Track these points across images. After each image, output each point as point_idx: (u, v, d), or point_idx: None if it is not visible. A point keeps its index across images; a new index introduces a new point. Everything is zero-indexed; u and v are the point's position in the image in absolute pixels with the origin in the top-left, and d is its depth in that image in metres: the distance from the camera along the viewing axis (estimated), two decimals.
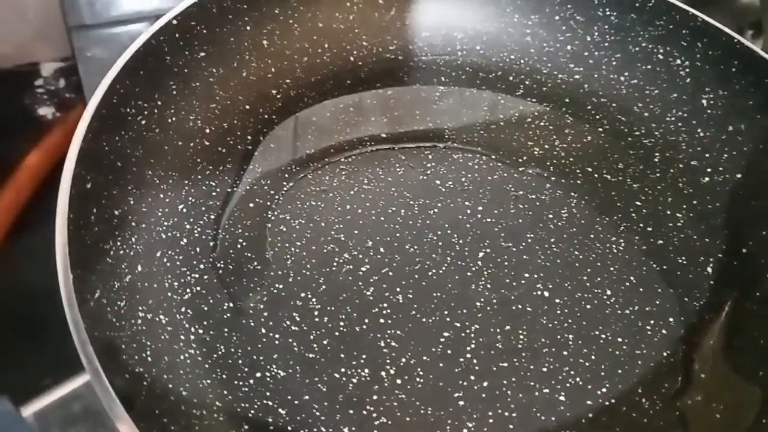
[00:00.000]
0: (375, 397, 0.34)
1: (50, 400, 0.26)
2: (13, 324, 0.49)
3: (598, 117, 0.46)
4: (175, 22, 0.39)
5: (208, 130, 0.41)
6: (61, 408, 0.26)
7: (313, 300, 0.37)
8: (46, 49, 0.69)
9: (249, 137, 0.43)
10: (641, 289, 0.39)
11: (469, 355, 0.35)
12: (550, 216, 0.41)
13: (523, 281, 0.38)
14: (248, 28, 0.43)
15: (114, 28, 0.61)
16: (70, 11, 0.60)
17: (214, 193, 0.40)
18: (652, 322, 0.37)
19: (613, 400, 0.34)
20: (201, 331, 0.35)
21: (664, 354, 0.36)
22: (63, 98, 0.67)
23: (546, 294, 0.38)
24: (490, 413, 0.33)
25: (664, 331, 0.37)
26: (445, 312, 0.37)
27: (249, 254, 0.38)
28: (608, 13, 0.47)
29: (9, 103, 0.67)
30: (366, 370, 0.34)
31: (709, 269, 0.39)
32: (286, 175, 0.42)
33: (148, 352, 0.32)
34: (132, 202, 0.36)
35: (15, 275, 0.53)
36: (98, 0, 0.60)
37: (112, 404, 0.25)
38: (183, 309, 0.35)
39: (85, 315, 0.28)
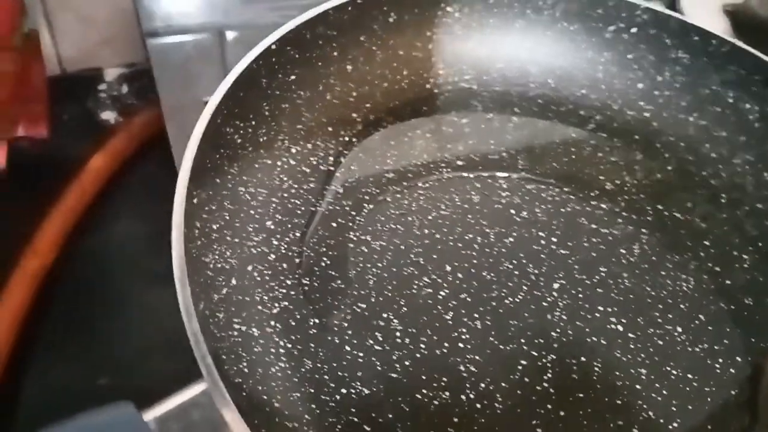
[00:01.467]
0: (456, 420, 0.35)
1: (170, 406, 0.28)
2: (73, 323, 0.51)
3: (666, 155, 0.48)
4: (273, 47, 0.41)
5: (294, 150, 0.43)
6: (181, 415, 0.28)
7: (395, 321, 0.38)
8: (111, 55, 0.72)
9: (331, 158, 0.44)
10: (710, 327, 0.40)
11: (546, 384, 0.36)
12: (622, 251, 0.42)
13: (597, 314, 0.39)
14: (335, 54, 0.45)
15: (182, 36, 0.63)
16: (145, 18, 0.62)
17: (298, 212, 0.41)
18: (720, 360, 0.38)
19: None
20: (290, 345, 0.36)
21: (732, 392, 0.37)
22: (125, 103, 0.69)
23: (620, 328, 0.39)
24: None
25: (732, 370, 0.38)
26: (522, 340, 0.38)
27: (332, 272, 0.39)
28: (680, 55, 0.49)
29: (73, 106, 0.69)
30: (446, 393, 0.36)
31: None
32: (366, 197, 0.43)
33: (245, 364, 0.33)
34: (228, 218, 0.38)
35: (76, 273, 0.55)
36: (170, 9, 0.62)
37: (230, 414, 0.27)
38: (272, 323, 0.37)
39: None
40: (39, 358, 0.47)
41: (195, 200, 0.35)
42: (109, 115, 0.69)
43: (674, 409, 0.36)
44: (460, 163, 0.46)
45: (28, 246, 0.53)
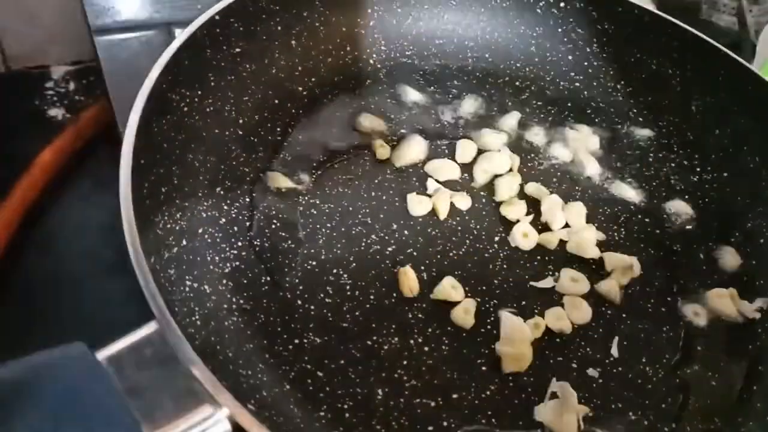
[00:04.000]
0: (405, 363, 0.36)
1: (122, 345, 0.28)
2: (24, 311, 0.50)
3: (597, 120, 0.50)
4: (217, 17, 0.42)
5: (241, 121, 0.44)
6: (133, 353, 0.28)
7: (345, 276, 0.39)
8: (57, 52, 0.71)
9: (278, 129, 0.46)
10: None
11: (489, 326, 0.38)
12: None
13: (536, 263, 0.41)
14: (279, 28, 0.47)
15: (130, 33, 0.63)
16: (92, 15, 0.62)
17: (248, 178, 0.43)
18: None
19: None
20: (242, 302, 0.37)
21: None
22: (73, 100, 0.69)
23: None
24: (510, 377, 0.36)
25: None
26: (466, 288, 0.40)
27: (283, 234, 0.41)
28: (606, 26, 0.52)
29: (20, 104, 0.68)
30: (396, 338, 0.37)
31: None
32: (314, 164, 0.44)
33: (197, 317, 0.34)
34: (176, 182, 0.39)
35: (26, 266, 0.54)
36: (118, 6, 0.62)
37: (183, 348, 0.28)
38: (224, 281, 0.38)
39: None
40: None
41: (142, 161, 0.35)
42: (56, 112, 0.68)
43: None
44: (403, 131, 0.47)
45: None
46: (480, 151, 0.47)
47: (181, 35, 0.40)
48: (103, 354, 0.28)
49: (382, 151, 0.45)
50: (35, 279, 0.54)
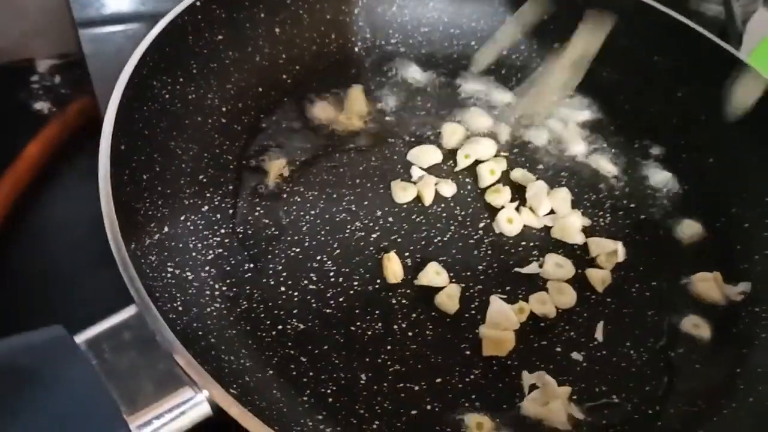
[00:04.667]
0: (389, 347, 0.36)
1: (101, 329, 0.28)
2: (12, 304, 0.50)
3: (583, 105, 0.50)
4: (198, 3, 0.42)
5: (224, 109, 0.44)
6: (112, 336, 0.28)
7: (329, 262, 0.39)
8: (43, 46, 0.71)
9: (262, 116, 0.45)
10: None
11: (473, 312, 0.38)
12: None
13: (520, 249, 0.41)
14: (262, 15, 0.46)
15: (114, 26, 0.63)
16: (76, 7, 0.61)
17: (231, 166, 0.42)
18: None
19: None
20: (225, 288, 0.37)
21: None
22: (58, 93, 0.68)
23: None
24: (493, 361, 0.36)
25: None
26: (451, 274, 0.40)
27: (266, 221, 0.40)
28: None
29: (5, 97, 0.68)
30: (379, 324, 0.37)
31: None
32: (298, 152, 0.44)
33: (179, 303, 0.34)
34: (158, 169, 0.38)
35: (14, 259, 0.54)
36: None
37: (163, 331, 0.27)
38: (207, 268, 0.37)
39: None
40: None
41: (122, 147, 0.35)
42: (42, 106, 0.67)
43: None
44: (388, 119, 0.47)
45: None
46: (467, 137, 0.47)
47: (161, 21, 0.39)
48: (81, 337, 0.28)
49: (349, 123, 0.45)
50: (23, 272, 0.54)
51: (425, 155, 0.45)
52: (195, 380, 0.27)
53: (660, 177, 0.47)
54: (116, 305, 0.41)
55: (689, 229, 0.44)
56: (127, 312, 0.28)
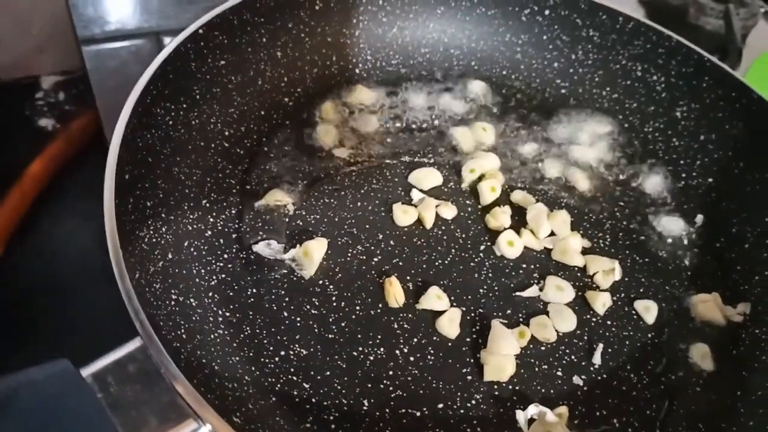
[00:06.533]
0: (391, 373, 0.36)
1: (107, 362, 0.28)
2: (16, 319, 0.50)
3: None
4: (201, 31, 0.42)
5: (227, 133, 0.44)
6: (117, 369, 0.28)
7: (331, 287, 0.39)
8: (47, 63, 0.71)
9: (264, 139, 0.46)
10: (626, 278, 0.42)
11: (474, 336, 0.38)
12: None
13: (521, 271, 0.42)
14: (264, 39, 0.47)
15: (118, 42, 0.63)
16: (80, 25, 0.62)
17: (234, 190, 0.43)
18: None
19: None
20: (228, 314, 0.37)
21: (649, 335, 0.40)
22: (62, 110, 0.69)
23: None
24: (495, 386, 0.37)
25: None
26: (452, 297, 0.40)
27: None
28: (591, 33, 0.52)
29: (10, 114, 0.68)
30: (381, 349, 0.37)
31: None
32: (300, 175, 0.45)
33: (182, 331, 0.34)
34: (161, 195, 0.39)
35: (18, 274, 0.55)
36: (106, 16, 0.62)
37: (167, 364, 0.28)
38: (210, 293, 0.38)
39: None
40: None
41: (127, 176, 0.36)
42: (46, 122, 0.68)
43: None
44: (389, 140, 0.48)
45: None
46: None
47: (165, 49, 0.40)
48: (87, 371, 0.28)
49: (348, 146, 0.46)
50: (27, 287, 0.54)
51: (426, 178, 0.45)
52: (198, 413, 0.28)
53: (660, 198, 0.47)
54: (118, 320, 0.41)
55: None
56: (132, 345, 0.29)
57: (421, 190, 0.45)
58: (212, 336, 0.36)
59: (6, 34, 0.68)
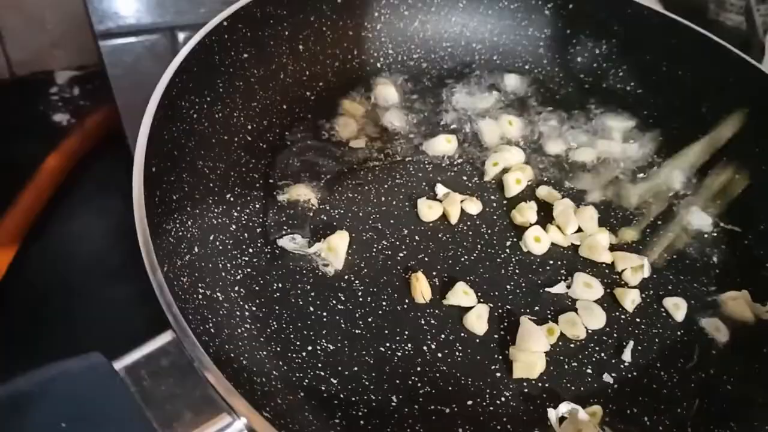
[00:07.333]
0: (419, 369, 0.36)
1: (139, 355, 0.28)
2: (33, 316, 0.50)
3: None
4: (225, 23, 0.42)
5: (250, 126, 0.44)
6: (150, 362, 0.28)
7: (356, 282, 0.39)
8: (62, 58, 0.71)
9: (286, 133, 0.46)
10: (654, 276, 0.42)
11: (502, 332, 0.38)
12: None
13: (548, 267, 0.41)
14: (286, 33, 0.46)
15: (134, 37, 0.63)
16: (96, 20, 0.62)
17: (257, 184, 0.42)
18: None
19: None
20: (254, 308, 0.37)
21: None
22: (77, 105, 0.69)
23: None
24: (524, 383, 0.36)
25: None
26: (478, 293, 0.39)
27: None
28: (616, 28, 0.51)
29: (25, 109, 0.68)
30: (409, 345, 0.37)
31: None
32: (324, 169, 0.44)
33: (210, 325, 0.34)
34: (187, 189, 0.38)
35: (34, 270, 0.54)
36: (122, 11, 0.62)
37: (200, 357, 0.27)
38: (237, 288, 0.37)
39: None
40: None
41: (154, 169, 0.35)
42: (61, 117, 0.68)
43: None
44: (412, 135, 0.47)
45: None
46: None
47: (189, 42, 0.39)
48: (120, 364, 0.28)
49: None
50: (43, 283, 0.54)
51: (437, 145, 0.46)
52: (232, 406, 0.27)
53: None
54: (134, 316, 0.41)
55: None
56: (164, 338, 0.28)
57: (444, 185, 0.44)
58: (239, 330, 0.36)
59: (20, 30, 0.68)
